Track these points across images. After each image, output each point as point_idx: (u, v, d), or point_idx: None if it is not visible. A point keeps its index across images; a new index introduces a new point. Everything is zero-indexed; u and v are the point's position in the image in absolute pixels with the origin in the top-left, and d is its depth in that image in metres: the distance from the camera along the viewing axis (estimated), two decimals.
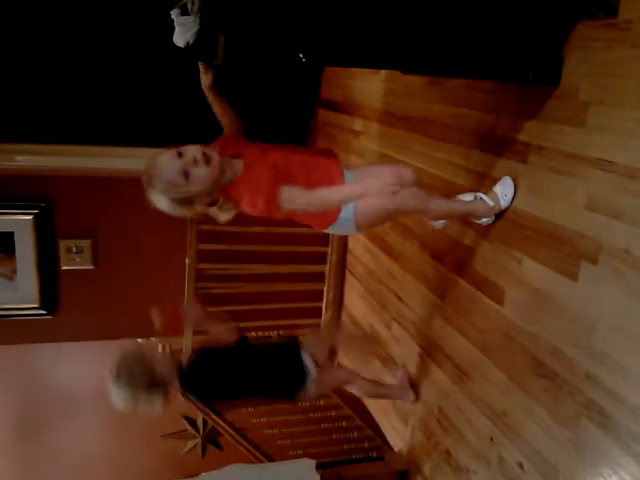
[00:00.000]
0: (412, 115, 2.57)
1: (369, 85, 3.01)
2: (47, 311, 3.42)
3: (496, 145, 1.98)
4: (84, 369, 4.87)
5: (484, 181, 2.05)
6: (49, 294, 3.40)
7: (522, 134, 1.84)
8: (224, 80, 1.87)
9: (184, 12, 1.69)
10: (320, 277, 3.55)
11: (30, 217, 3.25)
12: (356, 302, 3.36)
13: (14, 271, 3.33)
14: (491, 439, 2.03)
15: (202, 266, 3.34)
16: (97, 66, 3.21)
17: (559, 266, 1.68)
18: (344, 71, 3.34)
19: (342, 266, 3.50)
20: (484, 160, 2.05)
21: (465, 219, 2.14)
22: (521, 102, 1.85)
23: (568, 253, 1.64)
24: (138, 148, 3.25)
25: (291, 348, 2.27)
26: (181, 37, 1.71)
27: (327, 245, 3.52)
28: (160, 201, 1.58)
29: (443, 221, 2.17)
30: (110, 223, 3.27)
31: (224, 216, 1.70)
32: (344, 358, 3.40)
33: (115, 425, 5.07)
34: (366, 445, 3.19)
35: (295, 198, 1.62)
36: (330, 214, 1.77)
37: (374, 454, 3.06)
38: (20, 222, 3.25)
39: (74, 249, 3.36)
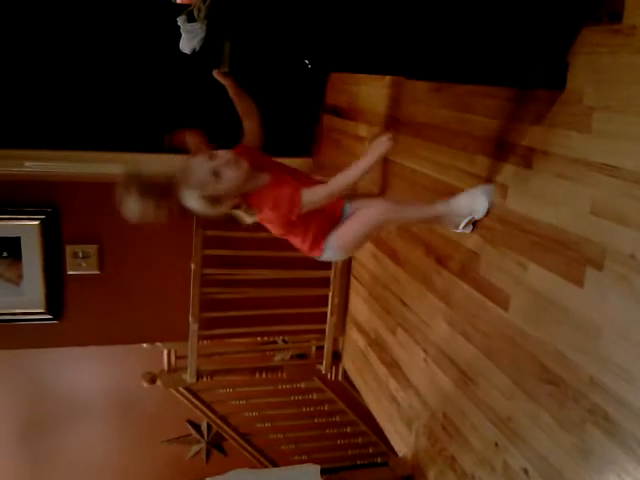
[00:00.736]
0: (417, 121, 2.58)
1: (374, 91, 3.02)
2: (53, 316, 3.42)
3: (501, 150, 1.98)
4: (90, 373, 4.89)
5: None
6: (55, 299, 3.40)
7: (526, 139, 1.84)
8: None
9: (191, 19, 1.71)
10: (325, 282, 3.55)
11: (37, 222, 3.27)
12: (361, 307, 3.36)
13: (20, 276, 3.34)
14: (496, 445, 2.02)
15: (207, 271, 3.35)
16: (105, 72, 3.23)
17: (564, 271, 1.68)
18: (349, 77, 3.35)
19: (347, 271, 3.51)
20: (488, 165, 2.05)
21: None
22: (526, 107, 1.85)
23: (573, 258, 1.64)
24: (145, 154, 3.26)
25: None
26: (188, 44, 1.73)
27: None
28: (190, 198, 1.70)
29: (464, 224, 2.10)
30: (116, 228, 3.28)
31: (249, 219, 1.86)
32: None
33: (120, 430, 5.08)
34: (370, 450, 3.20)
35: (315, 196, 1.80)
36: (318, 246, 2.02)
37: (378, 459, 3.07)
38: (26, 227, 3.27)
39: (80, 254, 3.37)
